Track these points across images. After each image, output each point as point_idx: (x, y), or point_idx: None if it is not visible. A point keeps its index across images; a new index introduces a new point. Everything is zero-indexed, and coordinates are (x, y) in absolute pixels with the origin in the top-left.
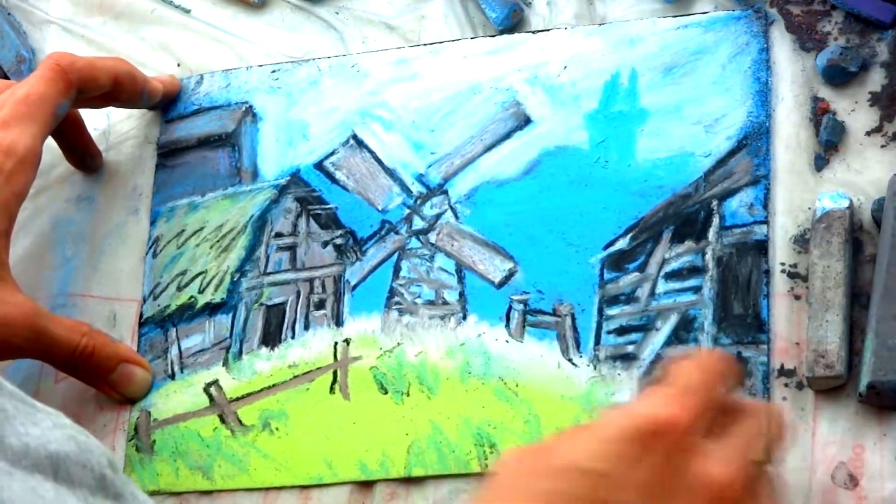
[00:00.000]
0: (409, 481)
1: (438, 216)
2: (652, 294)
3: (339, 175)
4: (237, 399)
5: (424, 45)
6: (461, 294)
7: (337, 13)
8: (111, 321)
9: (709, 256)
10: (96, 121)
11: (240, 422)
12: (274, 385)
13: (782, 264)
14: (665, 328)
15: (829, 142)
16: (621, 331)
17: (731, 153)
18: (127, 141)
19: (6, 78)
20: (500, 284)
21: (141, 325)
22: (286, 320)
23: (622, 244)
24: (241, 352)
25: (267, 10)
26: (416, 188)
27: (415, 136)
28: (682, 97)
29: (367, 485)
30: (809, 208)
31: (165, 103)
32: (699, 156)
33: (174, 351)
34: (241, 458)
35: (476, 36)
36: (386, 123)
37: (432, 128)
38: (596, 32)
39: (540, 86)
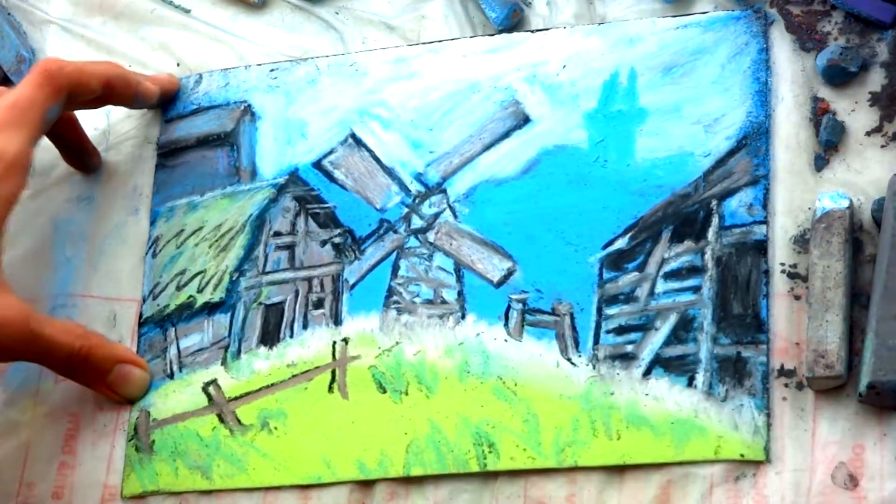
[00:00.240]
0: (409, 482)
1: (437, 215)
2: (651, 294)
3: (337, 174)
4: (236, 398)
5: (423, 43)
6: (460, 293)
7: (337, 13)
8: (111, 321)
9: (708, 256)
10: (96, 121)
11: (238, 421)
12: (272, 384)
13: (782, 264)
14: (664, 328)
15: (829, 142)
16: (620, 330)
17: (731, 153)
18: (127, 141)
19: (6, 78)
20: (499, 283)
21: (140, 324)
22: (285, 319)
23: (621, 244)
24: (239, 351)
25: (267, 11)
26: (415, 187)
27: (413, 134)
28: (681, 97)
29: (367, 485)
30: (809, 208)
31: (165, 102)
32: (698, 155)
33: (173, 350)
34: (239, 458)
35: (475, 35)
36: (384, 122)
37: (431, 126)
38: (595, 32)
39: (539, 85)
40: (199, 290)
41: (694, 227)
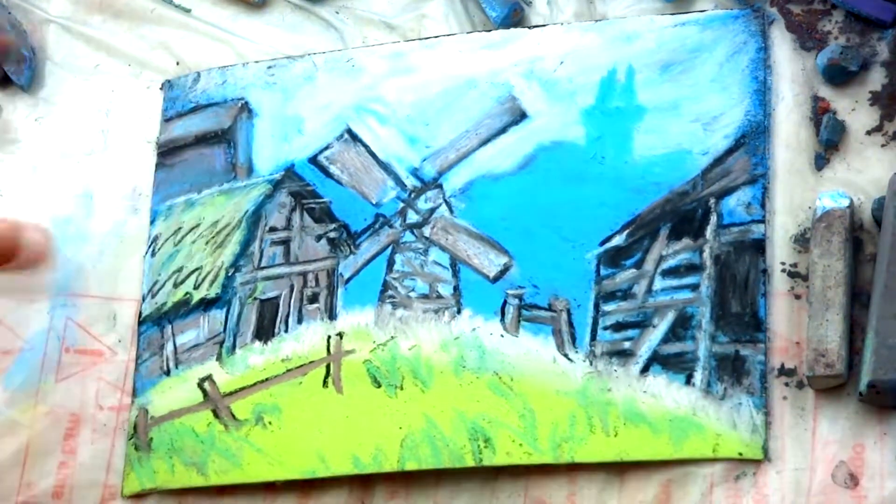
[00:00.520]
0: (410, 481)
1: (433, 210)
2: (649, 291)
3: (333, 169)
4: (230, 393)
5: (419, 39)
6: (456, 288)
7: (337, 13)
8: (111, 321)
9: (706, 254)
10: (96, 121)
11: (233, 416)
12: (267, 379)
13: (782, 263)
14: (662, 325)
15: (829, 141)
16: (618, 327)
17: (729, 151)
18: (127, 141)
19: (7, 77)
20: (495, 279)
21: (140, 323)
22: (279, 314)
23: (619, 240)
24: (234, 346)
25: (267, 10)
26: (411, 182)
27: (410, 129)
28: (679, 94)
29: (367, 485)
30: (810, 207)
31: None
32: (696, 153)
33: (169, 347)
34: (234, 453)
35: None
36: (381, 117)
37: (427, 122)
38: (593, 28)
39: (536, 81)
40: (196, 287)
41: (692, 225)
